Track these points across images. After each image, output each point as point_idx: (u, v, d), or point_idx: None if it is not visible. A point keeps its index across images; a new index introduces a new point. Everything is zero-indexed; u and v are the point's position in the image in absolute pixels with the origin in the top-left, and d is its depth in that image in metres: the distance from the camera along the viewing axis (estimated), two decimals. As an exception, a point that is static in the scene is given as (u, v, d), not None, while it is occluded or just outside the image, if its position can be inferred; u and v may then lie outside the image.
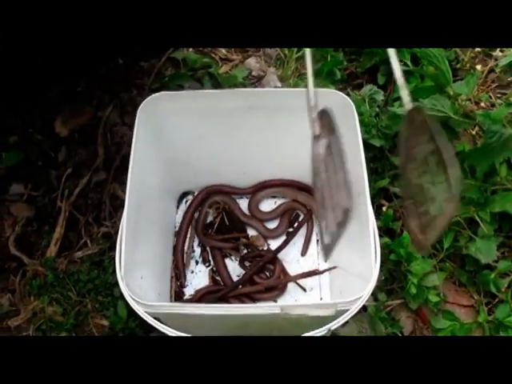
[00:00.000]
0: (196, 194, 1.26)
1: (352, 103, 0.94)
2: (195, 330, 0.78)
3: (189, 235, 1.22)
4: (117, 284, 1.10)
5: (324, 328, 0.73)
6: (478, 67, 1.38)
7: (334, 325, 0.74)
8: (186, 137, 1.07)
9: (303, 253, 1.20)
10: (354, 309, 0.75)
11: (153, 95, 0.97)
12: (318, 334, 0.73)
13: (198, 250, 1.21)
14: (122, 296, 1.09)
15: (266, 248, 1.20)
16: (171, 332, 0.77)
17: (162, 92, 0.98)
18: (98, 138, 1.33)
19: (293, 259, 1.19)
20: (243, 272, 1.16)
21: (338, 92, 0.97)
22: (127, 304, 1.05)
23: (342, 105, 0.96)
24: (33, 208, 1.26)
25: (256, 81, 1.44)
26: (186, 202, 1.27)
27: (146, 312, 0.80)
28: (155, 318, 0.81)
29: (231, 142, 1.07)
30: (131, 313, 1.09)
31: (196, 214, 1.24)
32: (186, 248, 1.20)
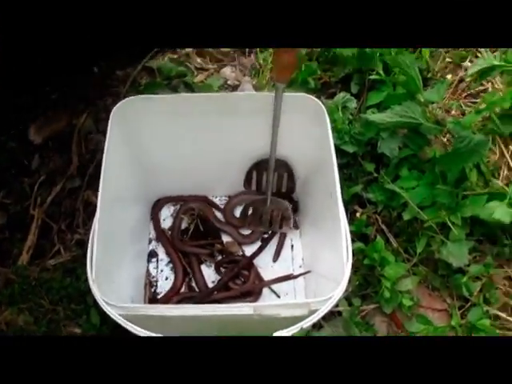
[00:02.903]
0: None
1: (323, 107, 0.96)
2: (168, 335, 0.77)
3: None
4: (90, 291, 1.09)
5: (296, 326, 0.73)
6: (449, 76, 1.40)
7: (305, 323, 0.74)
8: (159, 141, 1.07)
9: (275, 259, 1.20)
10: (325, 308, 0.76)
11: (126, 99, 0.97)
12: (290, 333, 0.73)
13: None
14: (95, 303, 1.08)
15: (240, 254, 1.20)
16: (145, 334, 0.76)
17: (135, 96, 0.98)
18: (72, 145, 1.32)
19: (267, 265, 1.19)
20: (218, 278, 1.16)
21: (309, 96, 0.98)
22: (100, 311, 1.05)
23: (313, 109, 0.98)
24: (5, 215, 1.24)
25: (231, 90, 1.44)
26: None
27: (119, 314, 0.79)
28: (128, 322, 0.80)
29: (205, 147, 1.08)
30: (104, 320, 1.07)
31: (171, 221, 1.24)
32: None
